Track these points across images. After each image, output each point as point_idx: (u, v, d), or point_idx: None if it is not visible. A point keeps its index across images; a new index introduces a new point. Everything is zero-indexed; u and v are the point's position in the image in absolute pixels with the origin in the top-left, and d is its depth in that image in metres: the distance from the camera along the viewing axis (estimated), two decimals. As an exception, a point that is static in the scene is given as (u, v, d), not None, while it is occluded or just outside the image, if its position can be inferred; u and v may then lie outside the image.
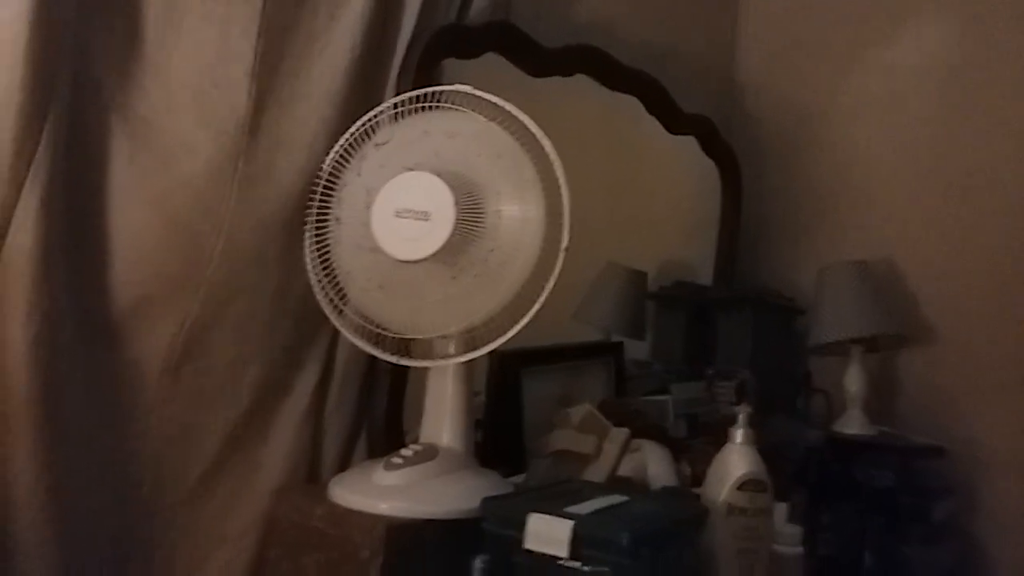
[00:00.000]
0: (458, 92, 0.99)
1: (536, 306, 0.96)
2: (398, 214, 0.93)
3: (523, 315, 0.96)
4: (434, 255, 0.92)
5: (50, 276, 0.85)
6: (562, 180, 0.96)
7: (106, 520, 0.94)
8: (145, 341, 0.95)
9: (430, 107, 1.00)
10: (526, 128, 0.98)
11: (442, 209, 0.92)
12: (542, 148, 0.97)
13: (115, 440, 0.95)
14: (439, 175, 0.92)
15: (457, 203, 0.92)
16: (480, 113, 0.99)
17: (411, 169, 0.94)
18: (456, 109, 0.99)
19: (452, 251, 0.93)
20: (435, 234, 0.92)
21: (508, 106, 0.98)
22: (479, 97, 0.99)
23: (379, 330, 0.98)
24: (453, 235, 0.92)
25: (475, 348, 0.99)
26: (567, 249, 0.96)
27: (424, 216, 0.92)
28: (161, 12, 0.94)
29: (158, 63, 0.94)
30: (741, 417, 1.04)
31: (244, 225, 1.00)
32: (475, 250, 0.94)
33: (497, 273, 0.95)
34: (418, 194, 0.92)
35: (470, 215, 0.93)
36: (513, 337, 0.98)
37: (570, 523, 0.85)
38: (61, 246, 0.87)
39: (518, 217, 0.95)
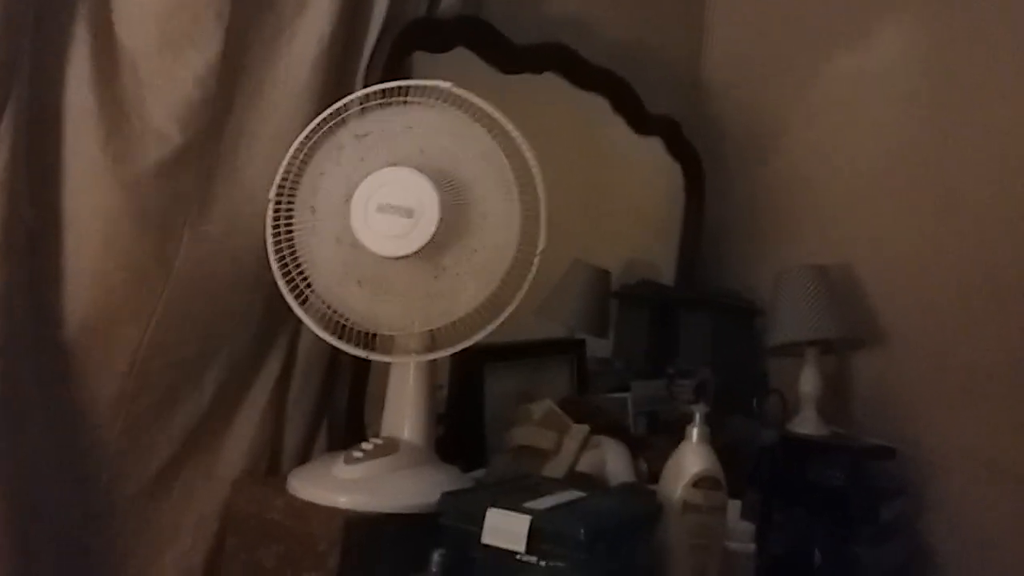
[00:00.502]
0: (437, 88, 0.98)
1: (509, 308, 0.97)
2: (380, 209, 0.92)
3: (493, 317, 0.97)
4: (417, 252, 0.92)
5: (8, 262, 0.83)
6: (540, 185, 0.97)
7: (65, 511, 0.93)
8: (111, 333, 0.94)
9: (404, 101, 0.99)
10: (504, 130, 0.98)
11: (426, 206, 0.91)
12: (520, 151, 0.98)
13: (75, 432, 0.93)
14: (423, 172, 0.92)
15: (442, 201, 0.92)
16: (461, 111, 0.99)
17: (394, 164, 0.94)
18: (435, 105, 0.98)
19: (436, 249, 0.93)
20: (419, 231, 0.91)
21: (489, 108, 0.98)
22: (458, 95, 0.98)
23: (346, 323, 0.98)
24: (437, 233, 0.92)
25: (438, 343, 0.99)
26: (542, 252, 0.97)
27: (408, 213, 0.92)
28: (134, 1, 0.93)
29: (130, 48, 0.93)
30: (698, 415, 1.05)
31: (211, 215, 0.99)
32: (459, 249, 0.95)
33: (479, 273, 0.96)
34: (402, 190, 0.92)
35: (455, 214, 0.94)
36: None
37: (528, 518, 0.85)
38: (25, 231, 0.86)
39: (502, 219, 0.96)
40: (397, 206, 0.92)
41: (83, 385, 0.93)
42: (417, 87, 0.99)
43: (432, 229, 0.91)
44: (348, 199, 0.94)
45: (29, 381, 0.88)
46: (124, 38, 0.93)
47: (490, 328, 0.97)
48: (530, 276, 0.97)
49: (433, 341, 1.00)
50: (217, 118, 0.98)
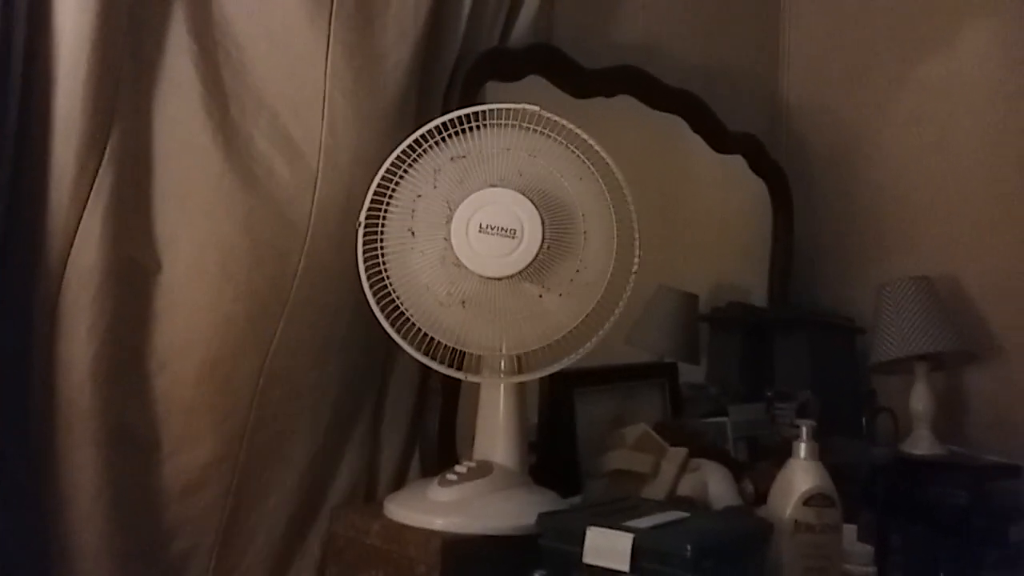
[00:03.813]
0: (527, 111, 0.99)
1: (604, 329, 0.97)
2: (482, 230, 0.94)
3: (584, 340, 0.98)
4: (520, 273, 0.93)
5: (113, 294, 0.86)
6: (632, 205, 0.98)
7: (171, 542, 0.93)
8: (233, 365, 0.95)
9: (494, 124, 1.00)
10: (593, 151, 0.99)
11: (529, 227, 0.93)
12: (610, 171, 0.98)
13: (194, 468, 0.94)
14: (523, 193, 0.94)
15: (544, 222, 0.93)
16: (558, 137, 1.00)
17: (493, 185, 0.95)
18: (529, 128, 0.99)
19: (539, 270, 0.94)
20: (522, 252, 0.93)
21: (580, 131, 0.99)
22: (552, 120, 0.99)
23: (447, 343, 0.97)
24: (540, 253, 0.93)
25: (528, 365, 0.99)
26: (636, 273, 0.97)
27: (511, 234, 0.93)
28: (232, 41, 0.96)
29: (234, 87, 0.96)
30: (804, 430, 1.00)
31: (324, 245, 1.00)
32: (563, 270, 0.96)
33: (582, 294, 0.96)
34: (503, 211, 0.93)
35: (557, 234, 0.95)
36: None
37: (630, 536, 0.82)
38: (132, 266, 0.88)
39: (603, 239, 0.97)
40: (499, 227, 0.93)
41: (204, 417, 0.94)
42: (504, 111, 0.99)
43: (535, 249, 0.93)
44: (448, 220, 0.94)
45: (137, 410, 0.90)
46: (228, 79, 0.96)
47: (586, 349, 0.97)
48: (625, 297, 0.97)
49: (521, 363, 0.99)
50: (325, 149, 1.00)
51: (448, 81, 1.15)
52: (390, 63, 1.05)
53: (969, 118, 1.64)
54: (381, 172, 0.98)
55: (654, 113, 1.49)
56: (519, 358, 0.99)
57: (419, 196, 0.98)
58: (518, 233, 0.93)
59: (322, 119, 1.00)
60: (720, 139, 1.61)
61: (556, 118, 0.99)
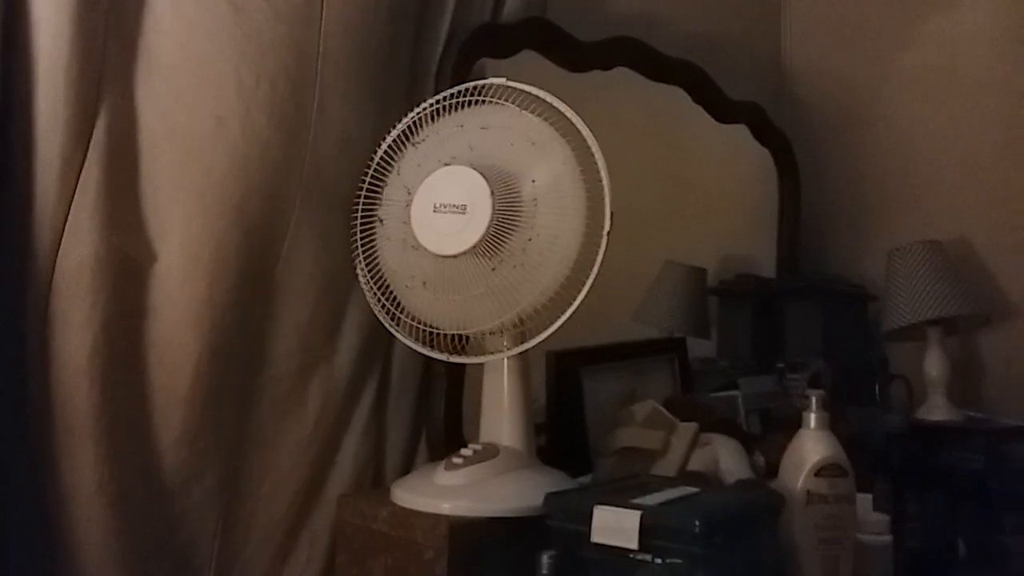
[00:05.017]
0: (493, 85, 0.98)
1: (583, 292, 0.93)
2: (436, 209, 0.93)
3: (570, 304, 0.94)
4: (472, 248, 0.91)
5: (106, 289, 0.85)
6: (600, 162, 0.94)
7: (174, 534, 0.93)
8: (229, 352, 0.94)
9: (469, 103, 1.00)
10: (561, 114, 0.96)
11: (479, 201, 0.91)
12: (579, 134, 0.96)
13: (187, 452, 0.93)
14: (473, 167, 0.92)
15: (493, 193, 0.91)
16: (515, 104, 0.98)
17: (447, 164, 0.94)
18: (493, 103, 0.98)
19: (491, 243, 0.92)
20: (473, 227, 0.91)
21: (540, 92, 0.97)
22: (513, 88, 0.98)
23: (431, 330, 0.97)
24: (491, 226, 0.91)
25: (524, 341, 0.97)
26: (609, 233, 0.94)
27: (462, 209, 0.92)
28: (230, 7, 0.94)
29: (232, 57, 0.93)
30: (814, 400, 0.99)
31: (308, 230, 0.99)
32: (513, 240, 0.93)
33: (537, 262, 0.93)
34: (454, 188, 0.92)
35: (506, 204, 0.92)
36: (571, 336, 0.96)
37: (638, 513, 0.81)
38: (124, 259, 0.87)
39: (555, 204, 0.94)
40: (451, 204, 0.92)
41: (201, 408, 0.92)
42: (473, 88, 0.98)
43: (486, 222, 0.91)
44: (408, 204, 0.95)
45: (135, 403, 0.89)
46: (225, 43, 0.92)
47: (566, 316, 0.94)
48: (598, 260, 0.93)
49: (518, 340, 0.98)
50: (315, 127, 0.98)
51: (439, 59, 1.13)
52: (374, 41, 1.03)
53: (976, 73, 1.60)
54: (371, 169, 0.98)
55: (653, 85, 1.47)
56: (518, 335, 0.98)
57: (387, 185, 0.99)
58: (469, 208, 0.91)
59: (314, 98, 0.98)
60: (722, 109, 1.58)
61: (519, 85, 0.97)
